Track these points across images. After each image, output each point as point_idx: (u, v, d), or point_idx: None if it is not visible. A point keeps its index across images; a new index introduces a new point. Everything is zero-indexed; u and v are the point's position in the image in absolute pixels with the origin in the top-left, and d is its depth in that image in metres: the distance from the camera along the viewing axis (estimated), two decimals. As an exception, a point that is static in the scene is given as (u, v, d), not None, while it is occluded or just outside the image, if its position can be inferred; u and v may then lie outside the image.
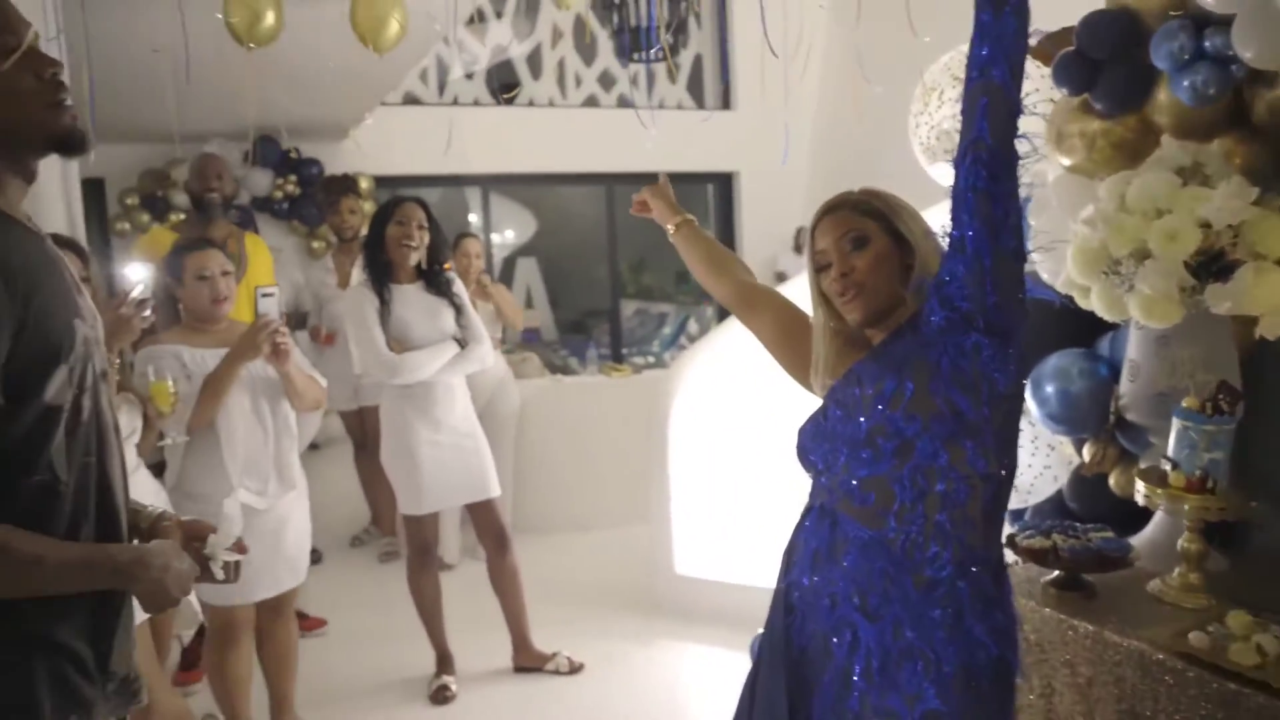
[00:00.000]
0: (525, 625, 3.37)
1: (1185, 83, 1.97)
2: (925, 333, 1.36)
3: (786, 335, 1.64)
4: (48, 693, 1.16)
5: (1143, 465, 2.11)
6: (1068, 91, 2.23)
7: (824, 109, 7.58)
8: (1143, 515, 2.16)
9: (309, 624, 3.66)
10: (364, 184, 6.26)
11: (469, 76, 7.59)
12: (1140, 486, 1.92)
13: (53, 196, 3.18)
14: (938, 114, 2.57)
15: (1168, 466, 1.88)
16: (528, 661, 3.36)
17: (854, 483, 1.40)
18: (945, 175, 2.46)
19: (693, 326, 8.57)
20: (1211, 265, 1.86)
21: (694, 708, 3.16)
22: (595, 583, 4.22)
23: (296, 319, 4.66)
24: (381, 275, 3.11)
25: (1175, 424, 1.86)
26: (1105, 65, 2.15)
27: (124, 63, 3.21)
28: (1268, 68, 1.88)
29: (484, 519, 3.29)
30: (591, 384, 5.21)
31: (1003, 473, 1.37)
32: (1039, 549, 1.91)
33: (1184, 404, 1.85)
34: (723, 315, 8.12)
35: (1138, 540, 2.10)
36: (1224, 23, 1.88)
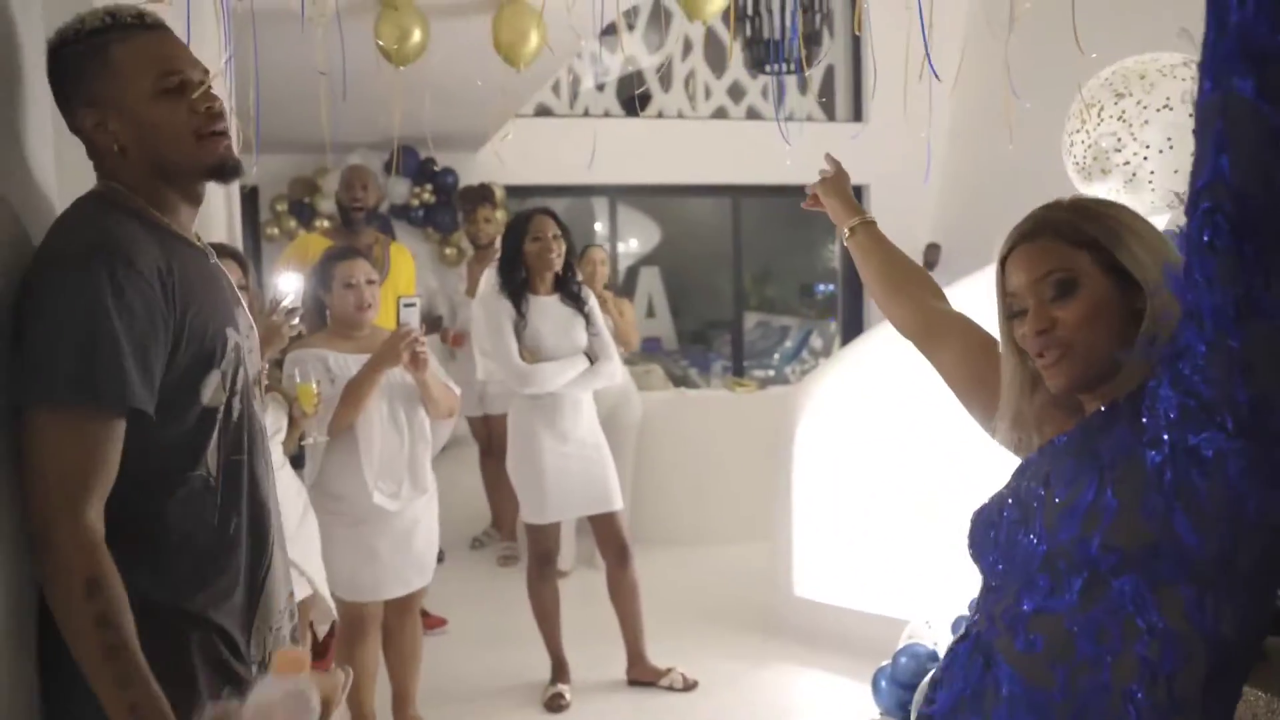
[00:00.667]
0: (641, 639, 3.37)
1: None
2: (1150, 421, 0.98)
3: (977, 378, 1.30)
4: (202, 665, 1.22)
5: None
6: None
7: (961, 123, 7.35)
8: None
9: (431, 622, 3.77)
10: (497, 194, 6.44)
11: (600, 88, 7.71)
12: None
13: (216, 206, 3.40)
14: (1095, 131, 2.44)
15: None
16: (642, 675, 3.36)
17: (1021, 616, 1.06)
18: (1099, 194, 2.34)
19: (815, 341, 8.44)
20: None
21: (808, 735, 3.10)
22: (712, 599, 4.18)
23: (430, 324, 4.82)
24: (519, 289, 3.17)
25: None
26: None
27: (285, 82, 3.42)
28: None
29: (606, 530, 3.31)
30: (715, 398, 5.20)
31: (1239, 637, 0.97)
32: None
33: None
34: (849, 331, 7.97)
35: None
36: None
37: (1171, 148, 2.29)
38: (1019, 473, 1.17)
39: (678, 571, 4.50)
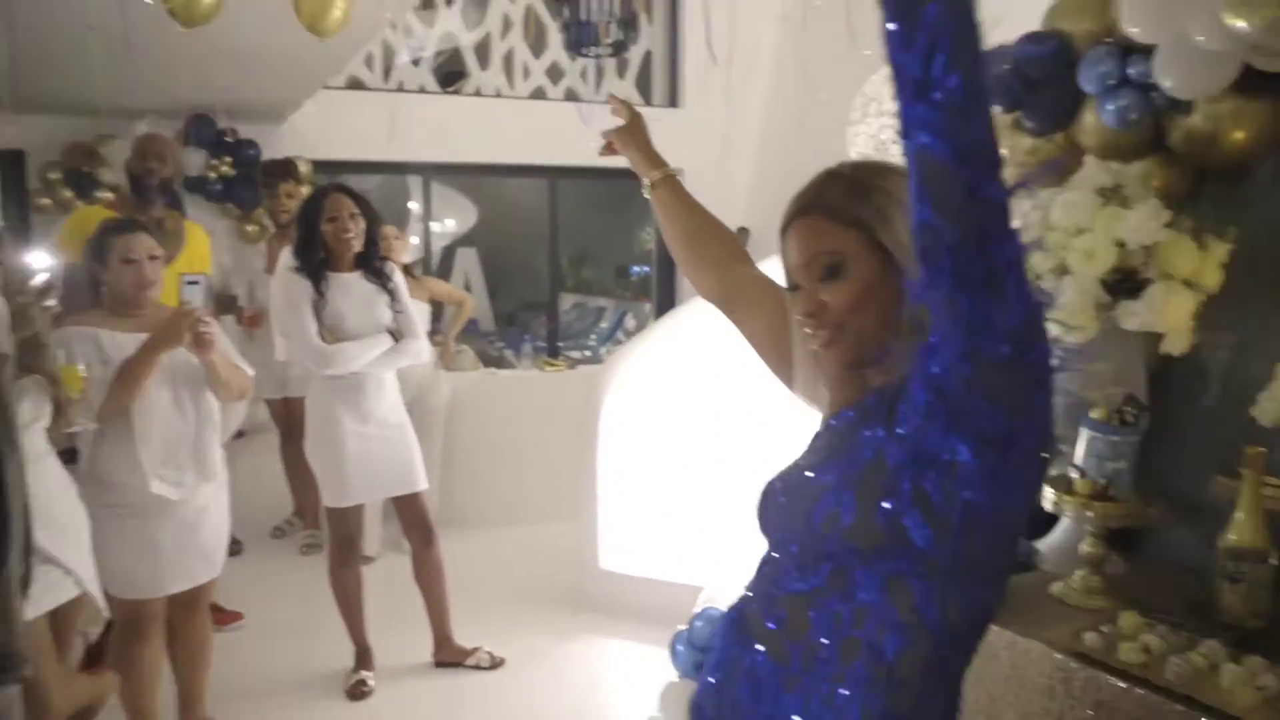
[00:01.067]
0: (448, 620, 3.35)
1: (1110, 106, 2.03)
2: (901, 415, 0.98)
3: (780, 343, 1.24)
4: None
5: (1053, 473, 2.18)
6: (1001, 108, 2.29)
7: (773, 112, 7.66)
8: (1048, 518, 2.22)
9: (224, 618, 3.58)
10: (303, 169, 6.14)
11: (415, 63, 7.48)
12: (1049, 493, 1.98)
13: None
14: (876, 123, 2.62)
15: (1075, 474, 1.94)
16: (448, 657, 3.34)
17: (774, 594, 1.09)
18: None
19: (630, 322, 8.59)
20: (1125, 283, 1.93)
21: (615, 703, 3.17)
22: (520, 578, 4.21)
23: (226, 303, 4.55)
24: (318, 267, 3.05)
25: (1084, 434, 1.93)
26: (1037, 85, 2.22)
27: (51, 33, 3.12)
28: (1184, 97, 1.95)
29: (410, 512, 3.25)
30: (525, 378, 5.20)
31: (966, 624, 1.01)
32: (952, 553, 1.95)
33: (1093, 415, 1.91)
34: (663, 312, 8.15)
35: (1045, 544, 2.17)
36: (1147, 52, 1.95)
37: (937, 141, 2.49)
38: (807, 448, 1.16)
39: (487, 553, 4.49)
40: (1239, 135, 1.98)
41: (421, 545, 3.27)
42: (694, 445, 3.56)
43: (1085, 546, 1.93)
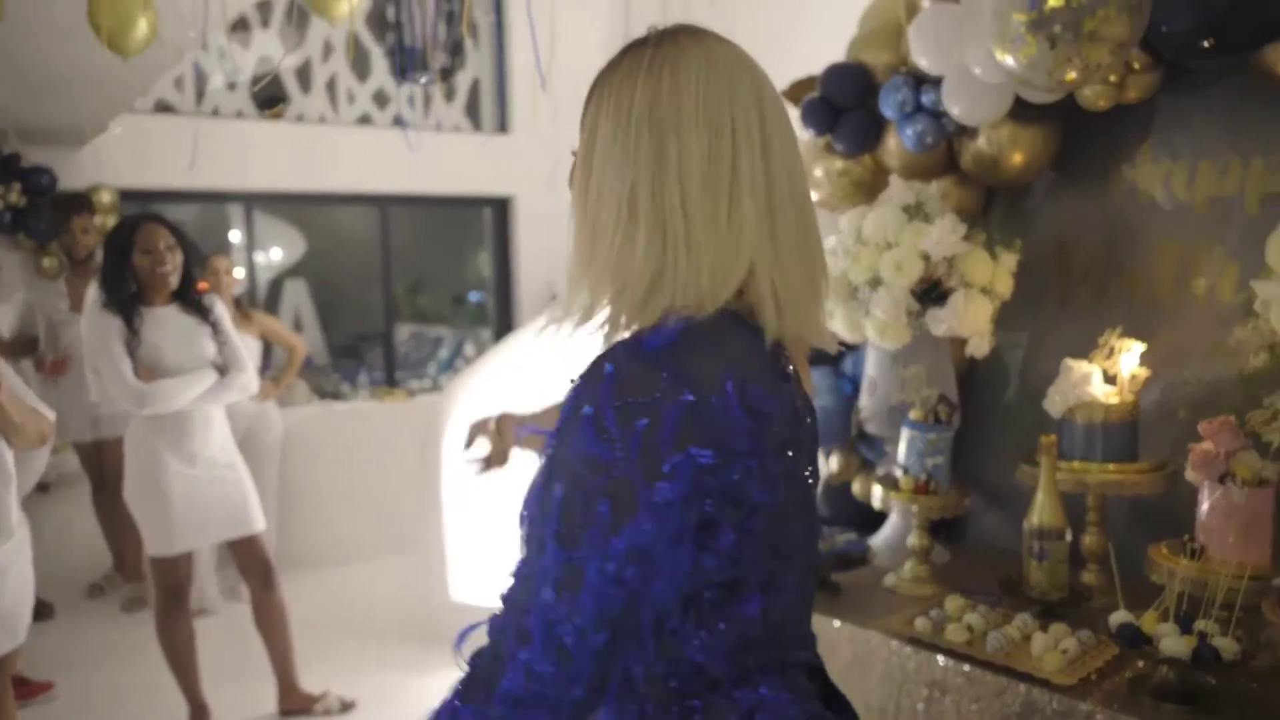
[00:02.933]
0: (292, 666, 3.19)
1: (908, 131, 2.22)
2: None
3: None
4: None
5: (879, 472, 2.33)
6: (813, 133, 2.45)
7: (599, 138, 7.80)
8: (881, 516, 2.38)
9: (30, 690, 3.27)
10: (106, 197, 5.74)
11: (231, 87, 7.16)
12: (877, 491, 2.12)
13: None
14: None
15: (899, 472, 2.09)
16: (294, 704, 3.19)
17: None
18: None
19: (469, 349, 8.48)
20: (931, 292, 2.10)
21: (473, 736, 3.12)
22: (367, 616, 4.07)
23: (24, 344, 4.19)
24: (129, 301, 2.87)
25: (904, 433, 2.08)
26: (844, 112, 2.39)
27: None
28: (970, 124, 2.16)
29: (248, 555, 3.09)
30: (363, 410, 5.05)
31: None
32: (792, 553, 2.06)
33: (911, 415, 2.07)
34: (499, 337, 8.10)
35: (876, 540, 2.31)
36: (937, 82, 2.14)
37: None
38: None
39: (330, 592, 4.32)
40: (1017, 158, 2.21)
41: (261, 589, 3.11)
42: (536, 465, 3.56)
43: (912, 539, 2.08)
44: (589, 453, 0.81)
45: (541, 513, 0.85)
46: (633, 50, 0.90)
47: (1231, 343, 1.95)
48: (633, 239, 0.85)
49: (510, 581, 0.87)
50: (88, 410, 3.91)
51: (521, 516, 0.87)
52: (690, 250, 0.85)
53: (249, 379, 3.05)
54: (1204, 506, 1.69)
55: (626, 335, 0.87)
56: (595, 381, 0.83)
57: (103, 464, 4.11)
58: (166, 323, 2.92)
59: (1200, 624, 1.48)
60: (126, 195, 6.18)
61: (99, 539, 4.35)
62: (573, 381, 0.86)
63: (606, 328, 0.89)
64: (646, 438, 0.80)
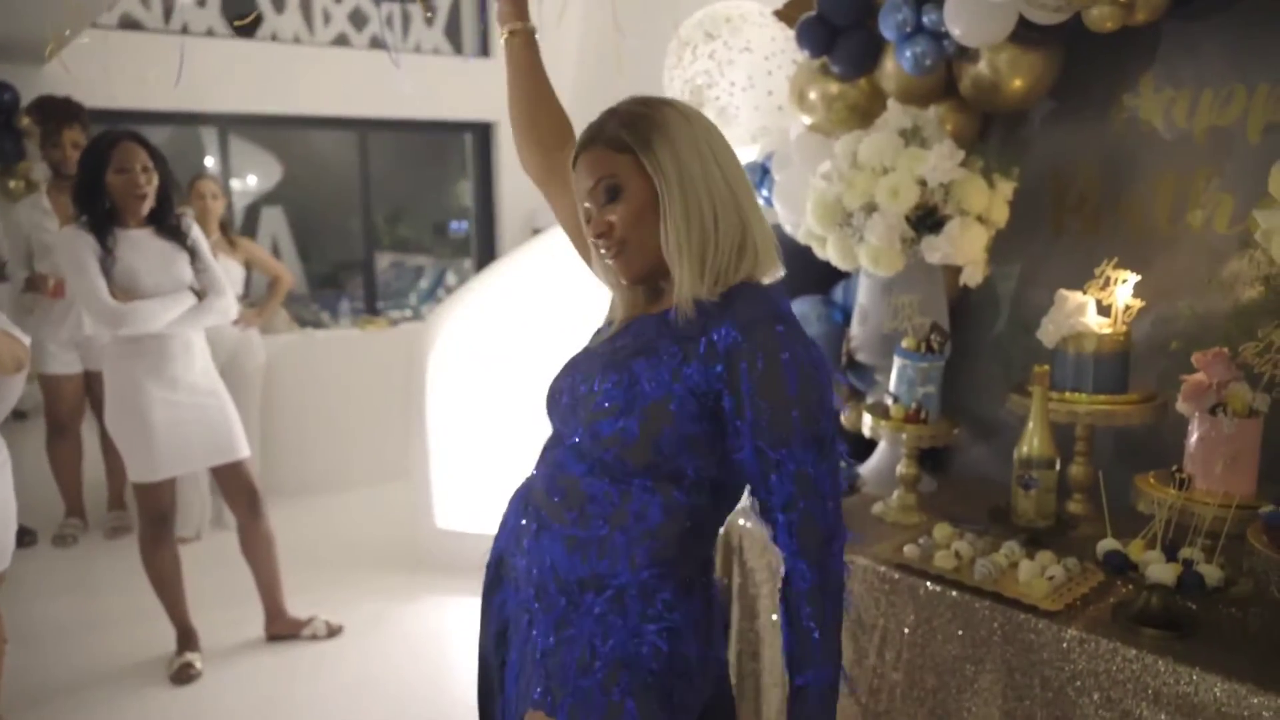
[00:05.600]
0: (279, 592, 3.21)
1: (907, 53, 2.16)
2: (692, 364, 1.17)
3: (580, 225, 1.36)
4: None
5: (870, 401, 2.33)
6: (809, 54, 2.38)
7: (586, 60, 7.62)
8: (870, 446, 2.39)
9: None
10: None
11: (201, 3, 6.90)
12: (867, 420, 2.12)
13: None
14: (691, 69, 2.65)
15: (889, 400, 2.09)
16: (282, 629, 3.21)
17: (555, 473, 1.26)
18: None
19: (451, 279, 8.39)
20: (927, 219, 2.07)
21: (460, 660, 3.16)
22: (354, 543, 4.08)
23: (-10, 269, 4.09)
24: (103, 220, 2.79)
25: (896, 362, 2.07)
26: (842, 32, 2.32)
27: None
28: (971, 44, 2.10)
29: (233, 482, 3.07)
30: (344, 338, 4.99)
31: (716, 504, 1.25)
32: (781, 481, 2.06)
33: (903, 344, 2.06)
34: (483, 268, 8.03)
35: (865, 469, 2.32)
36: (939, 1, 2.08)
37: (753, 86, 2.57)
38: (597, 348, 1.29)
39: (316, 520, 4.33)
40: (1018, 83, 2.16)
41: (248, 516, 3.10)
42: (524, 397, 3.55)
43: (901, 468, 2.08)
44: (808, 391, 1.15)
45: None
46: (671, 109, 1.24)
47: (1226, 275, 1.94)
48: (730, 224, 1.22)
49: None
50: (76, 340, 3.84)
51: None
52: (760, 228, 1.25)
53: (228, 303, 3.00)
54: (1193, 437, 1.69)
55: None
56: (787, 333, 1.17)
57: (98, 395, 4.04)
58: (141, 245, 2.85)
59: (1186, 552, 1.49)
60: (94, 115, 5.98)
61: (91, 468, 4.29)
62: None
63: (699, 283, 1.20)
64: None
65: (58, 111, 4.24)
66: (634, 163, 1.20)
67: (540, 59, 1.52)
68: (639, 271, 1.24)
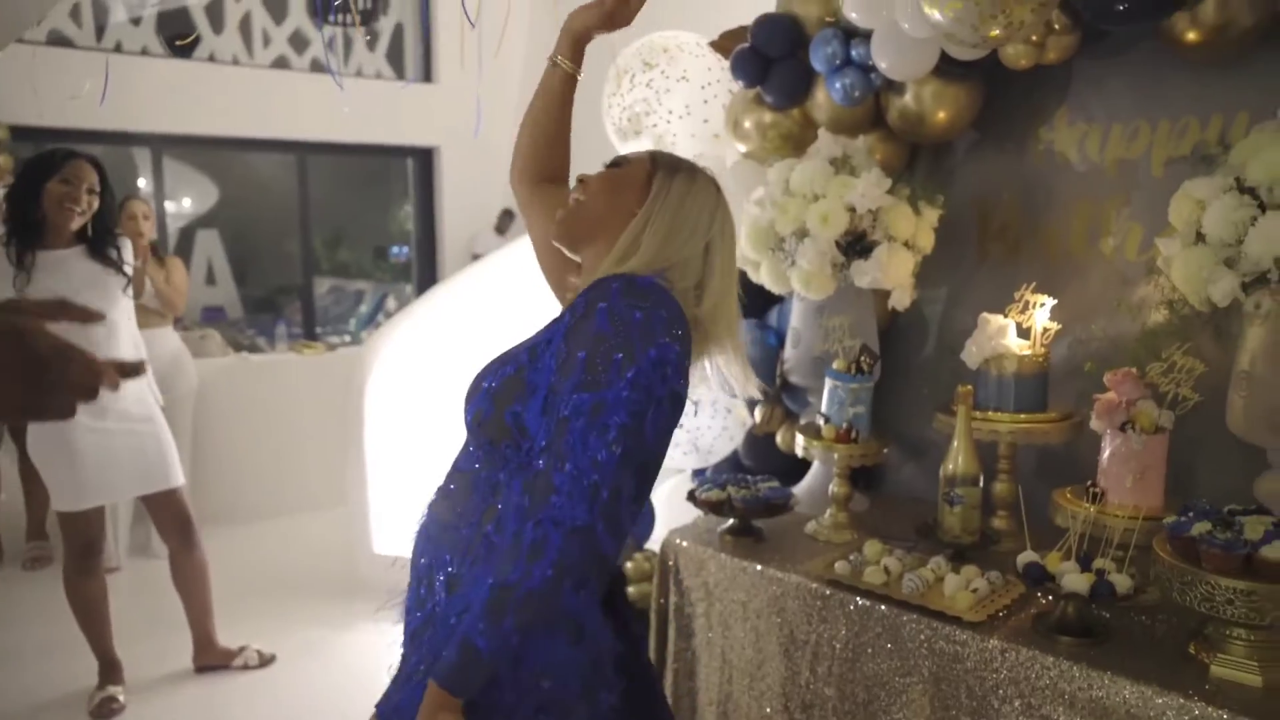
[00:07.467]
0: (210, 622, 3.13)
1: (837, 84, 2.24)
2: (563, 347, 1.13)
3: (555, 254, 1.40)
4: None
5: (803, 422, 2.38)
6: (743, 84, 2.45)
7: (529, 85, 7.68)
8: (804, 467, 2.44)
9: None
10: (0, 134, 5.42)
11: (136, 22, 6.80)
12: (800, 440, 2.17)
13: None
14: (629, 96, 2.70)
15: (821, 421, 2.14)
16: (211, 660, 3.13)
17: (454, 469, 1.27)
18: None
19: (391, 304, 8.32)
20: (856, 245, 2.14)
21: (397, 687, 3.12)
22: (289, 571, 4.01)
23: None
24: (27, 237, 2.72)
25: (828, 384, 2.13)
26: (775, 63, 2.39)
27: None
28: (897, 78, 2.18)
29: (165, 510, 3.00)
30: (281, 362, 4.92)
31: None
32: (716, 500, 2.10)
33: (834, 366, 2.11)
34: (422, 291, 7.98)
35: (799, 489, 2.37)
36: (866, 35, 2.16)
37: (689, 114, 2.63)
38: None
39: (249, 547, 4.24)
40: (941, 115, 2.25)
41: (180, 546, 3.03)
42: (459, 418, 3.54)
43: (833, 487, 2.13)
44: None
45: None
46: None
47: (1135, 299, 2.04)
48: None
49: None
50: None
51: None
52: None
53: (161, 330, 2.94)
54: (1105, 453, 1.77)
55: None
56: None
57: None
58: (67, 265, 2.78)
59: (1099, 562, 1.56)
60: (19, 132, 5.84)
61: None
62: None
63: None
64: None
65: None
66: (648, 171, 1.28)
67: (571, 99, 1.54)
68: (575, 229, 1.28)
